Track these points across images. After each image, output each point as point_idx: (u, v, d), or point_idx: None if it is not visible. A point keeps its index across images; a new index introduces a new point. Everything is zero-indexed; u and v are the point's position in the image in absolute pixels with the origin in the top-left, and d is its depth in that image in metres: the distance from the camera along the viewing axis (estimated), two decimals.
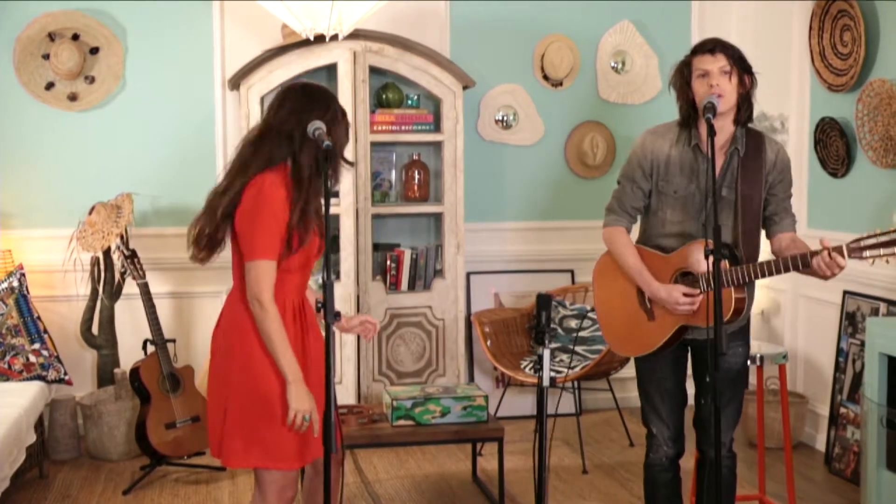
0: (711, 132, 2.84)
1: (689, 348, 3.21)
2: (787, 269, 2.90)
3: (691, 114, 3.08)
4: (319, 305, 2.60)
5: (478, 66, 5.44)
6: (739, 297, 3.00)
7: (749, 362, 3.86)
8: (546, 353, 2.70)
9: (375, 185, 5.33)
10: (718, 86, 2.96)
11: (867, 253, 2.75)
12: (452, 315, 5.23)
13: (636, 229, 3.29)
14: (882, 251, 2.72)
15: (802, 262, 2.86)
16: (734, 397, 3.19)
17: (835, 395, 4.69)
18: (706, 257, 2.77)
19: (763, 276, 2.92)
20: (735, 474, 3.29)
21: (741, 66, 3.03)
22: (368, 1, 4.10)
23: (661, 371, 3.18)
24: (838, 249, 2.80)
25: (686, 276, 3.07)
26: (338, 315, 2.58)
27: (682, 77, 3.06)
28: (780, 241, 3.14)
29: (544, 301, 2.74)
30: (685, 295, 3.00)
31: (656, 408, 3.20)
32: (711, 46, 3.01)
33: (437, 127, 5.24)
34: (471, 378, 5.51)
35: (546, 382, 2.69)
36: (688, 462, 3.30)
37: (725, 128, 3.05)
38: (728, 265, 2.96)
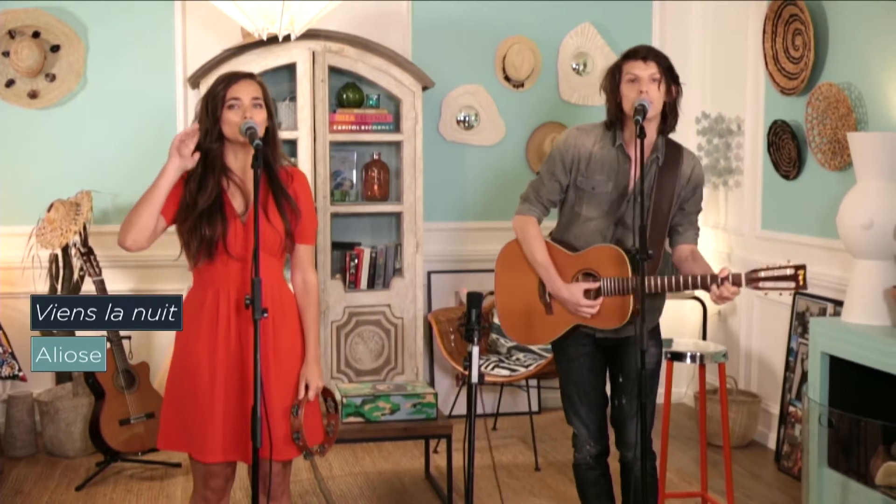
0: (641, 134, 2.90)
1: (604, 349, 3.26)
2: (686, 287, 3.03)
3: (618, 116, 3.12)
4: (248, 302, 2.63)
5: (440, 66, 5.48)
6: (636, 308, 3.03)
7: (690, 361, 3.96)
8: (475, 351, 2.74)
9: (336, 185, 5.37)
10: (647, 92, 3.01)
11: (763, 284, 2.95)
12: (411, 314, 5.28)
13: (552, 222, 3.37)
14: (777, 284, 2.93)
15: (702, 283, 3.00)
16: (649, 397, 3.23)
17: (785, 394, 4.75)
18: (632, 258, 2.82)
19: (668, 289, 3.04)
20: (656, 474, 3.31)
21: (670, 76, 3.09)
22: (320, 1, 4.13)
23: (577, 373, 3.24)
24: (737, 278, 2.97)
25: (587, 277, 3.14)
26: (265, 312, 2.62)
27: (613, 80, 3.11)
28: (680, 252, 3.23)
29: (474, 299, 2.78)
30: (586, 298, 3.10)
31: (576, 408, 3.26)
32: (644, 54, 3.06)
33: (396, 127, 5.28)
34: (431, 376, 5.55)
35: (475, 379, 2.73)
36: (616, 461, 3.34)
37: (649, 135, 3.11)
38: (631, 273, 3.05)
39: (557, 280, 3.15)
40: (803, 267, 2.91)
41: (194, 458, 2.85)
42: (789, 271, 2.90)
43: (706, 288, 2.98)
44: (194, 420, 2.80)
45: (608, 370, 3.28)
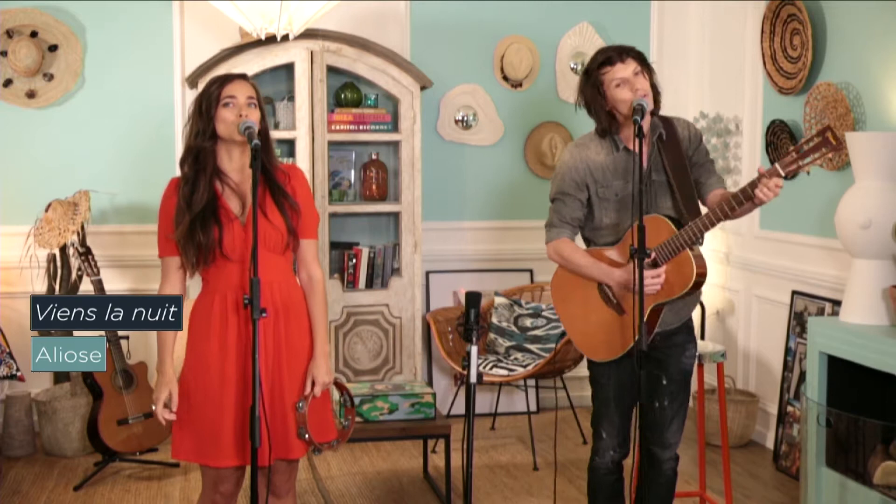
0: (640, 133, 2.89)
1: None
2: (731, 210, 2.93)
3: (611, 123, 3.09)
4: (247, 302, 2.63)
5: (438, 66, 5.48)
6: (697, 255, 3.02)
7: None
8: (474, 351, 2.73)
9: (335, 185, 5.37)
10: (641, 88, 3.01)
11: (800, 163, 2.82)
12: (409, 313, 5.28)
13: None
14: (809, 158, 2.80)
15: (745, 196, 2.89)
16: (686, 399, 3.23)
17: (783, 394, 4.76)
18: (631, 257, 2.81)
19: (712, 224, 2.95)
20: (676, 474, 3.30)
21: (645, 63, 3.08)
22: (318, 1, 4.13)
23: (623, 377, 3.15)
24: (773, 171, 2.84)
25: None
26: (263, 311, 2.62)
27: (595, 90, 3.06)
28: (711, 200, 3.16)
29: (473, 299, 2.77)
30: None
31: (611, 414, 3.20)
32: (618, 56, 3.03)
33: (395, 127, 5.29)
34: (429, 376, 5.55)
35: (473, 379, 2.73)
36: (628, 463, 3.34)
37: (647, 121, 3.08)
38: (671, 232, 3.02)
39: (611, 269, 3.07)
40: (828, 128, 2.79)
41: (207, 464, 2.84)
42: (817, 139, 2.78)
43: (749, 198, 2.88)
44: (207, 425, 2.79)
45: (655, 368, 3.19)
